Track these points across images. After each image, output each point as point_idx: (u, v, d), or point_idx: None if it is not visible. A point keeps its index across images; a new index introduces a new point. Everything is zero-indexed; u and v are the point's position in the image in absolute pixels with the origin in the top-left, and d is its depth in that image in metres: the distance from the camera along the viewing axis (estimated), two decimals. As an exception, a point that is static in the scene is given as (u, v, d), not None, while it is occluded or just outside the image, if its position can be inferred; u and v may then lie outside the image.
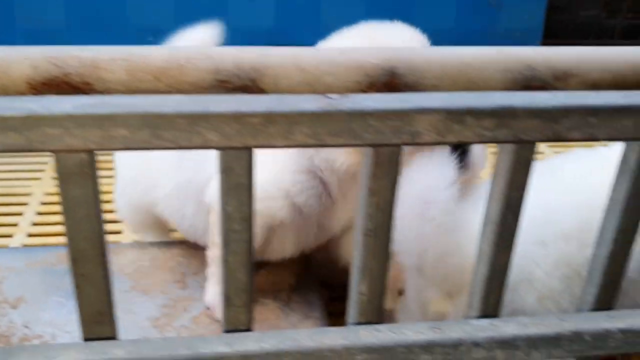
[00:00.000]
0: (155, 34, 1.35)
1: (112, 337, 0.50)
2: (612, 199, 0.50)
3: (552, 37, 1.86)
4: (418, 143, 0.42)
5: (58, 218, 1.06)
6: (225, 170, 0.45)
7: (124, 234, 1.12)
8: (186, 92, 0.44)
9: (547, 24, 1.77)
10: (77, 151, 0.39)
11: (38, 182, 1.27)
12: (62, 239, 0.45)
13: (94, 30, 1.29)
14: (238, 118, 0.39)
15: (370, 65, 0.45)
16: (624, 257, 0.51)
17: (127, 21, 1.28)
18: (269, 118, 0.39)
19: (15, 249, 1.01)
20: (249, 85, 0.44)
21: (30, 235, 1.11)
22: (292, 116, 0.40)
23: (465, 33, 1.61)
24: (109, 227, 0.99)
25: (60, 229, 0.98)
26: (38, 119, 0.38)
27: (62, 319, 0.75)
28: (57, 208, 0.88)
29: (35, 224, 1.14)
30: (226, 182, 0.45)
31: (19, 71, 0.42)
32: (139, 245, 0.92)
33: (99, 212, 0.45)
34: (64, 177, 0.43)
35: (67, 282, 0.76)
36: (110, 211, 0.97)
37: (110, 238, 0.48)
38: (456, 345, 0.50)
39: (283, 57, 0.44)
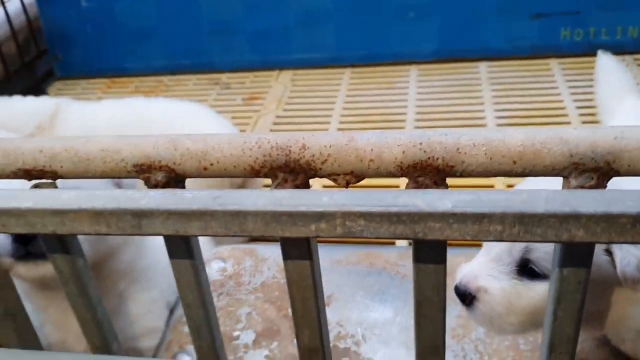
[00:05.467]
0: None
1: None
2: None
3: None
4: None
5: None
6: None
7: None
8: (540, 174, 0.47)
9: None
10: (456, 241, 0.45)
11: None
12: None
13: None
14: (607, 219, 0.42)
15: None
16: None
17: None
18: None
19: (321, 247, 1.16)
20: (602, 166, 0.46)
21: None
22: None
23: None
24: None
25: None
26: (424, 215, 0.44)
27: (370, 321, 0.83)
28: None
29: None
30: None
31: (391, 155, 0.49)
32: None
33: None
34: (419, 259, 0.50)
35: (369, 283, 0.84)
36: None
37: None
38: None
39: (638, 140, 0.45)
